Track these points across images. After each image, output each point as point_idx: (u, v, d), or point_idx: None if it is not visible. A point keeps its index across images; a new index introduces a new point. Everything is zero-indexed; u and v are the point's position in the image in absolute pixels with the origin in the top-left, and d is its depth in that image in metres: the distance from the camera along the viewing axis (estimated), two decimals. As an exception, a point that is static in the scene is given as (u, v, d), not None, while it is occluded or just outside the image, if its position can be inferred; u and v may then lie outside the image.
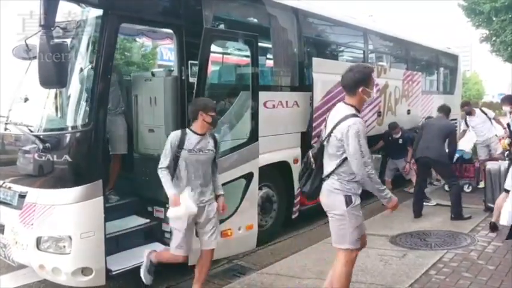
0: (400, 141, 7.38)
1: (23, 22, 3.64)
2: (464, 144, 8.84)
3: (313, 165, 3.13)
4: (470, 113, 7.85)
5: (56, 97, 3.81)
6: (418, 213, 6.19)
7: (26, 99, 4.23)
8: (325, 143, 3.08)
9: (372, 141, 7.54)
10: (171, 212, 3.56)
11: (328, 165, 3.09)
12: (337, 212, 3.06)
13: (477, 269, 4.18)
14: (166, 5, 4.26)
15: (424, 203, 6.49)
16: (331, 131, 3.02)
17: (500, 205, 5.33)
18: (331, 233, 3.17)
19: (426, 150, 6.11)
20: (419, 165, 6.41)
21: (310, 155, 3.17)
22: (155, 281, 4.25)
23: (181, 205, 3.50)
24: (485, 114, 7.81)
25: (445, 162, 6.17)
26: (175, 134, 3.65)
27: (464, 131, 8.18)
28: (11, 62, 4.18)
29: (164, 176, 3.58)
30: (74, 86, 3.63)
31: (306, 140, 5.81)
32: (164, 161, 3.59)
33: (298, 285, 3.97)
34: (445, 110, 6.53)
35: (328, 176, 3.08)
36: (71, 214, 3.52)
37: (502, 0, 14.26)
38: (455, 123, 11.12)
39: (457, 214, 5.97)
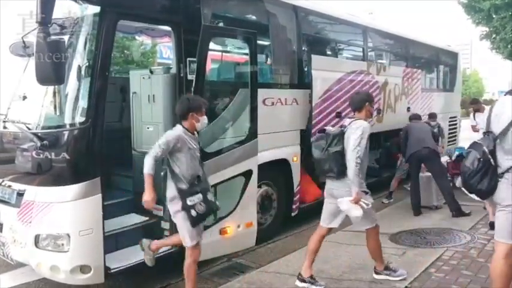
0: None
1: (23, 22, 3.63)
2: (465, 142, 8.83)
3: (491, 162, 3.05)
4: (478, 110, 7.97)
5: (53, 95, 3.81)
6: (417, 211, 6.19)
7: (24, 97, 4.23)
8: (497, 140, 3.05)
9: (372, 138, 7.53)
10: (357, 211, 3.62)
11: (505, 161, 3.04)
12: None
13: (477, 267, 4.17)
14: (164, 2, 4.24)
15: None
16: (509, 126, 2.99)
17: (492, 204, 5.33)
18: (507, 228, 3.07)
19: (423, 142, 6.19)
20: (413, 161, 6.40)
21: (487, 151, 3.07)
22: (154, 280, 4.26)
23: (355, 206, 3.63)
24: None
25: (437, 159, 6.24)
26: (367, 125, 3.78)
27: (473, 126, 8.21)
28: (10, 60, 4.18)
29: (358, 167, 3.60)
30: (72, 84, 3.61)
31: (305, 138, 5.79)
32: (360, 150, 3.62)
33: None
34: (417, 117, 7.06)
35: (506, 171, 3.03)
36: (69, 212, 3.52)
37: (501, -3, 14.27)
38: (455, 120, 11.16)
39: (457, 211, 5.97)
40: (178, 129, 3.49)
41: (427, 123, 7.13)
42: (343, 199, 3.68)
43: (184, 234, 3.44)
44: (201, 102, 3.56)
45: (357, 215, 3.66)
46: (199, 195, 3.39)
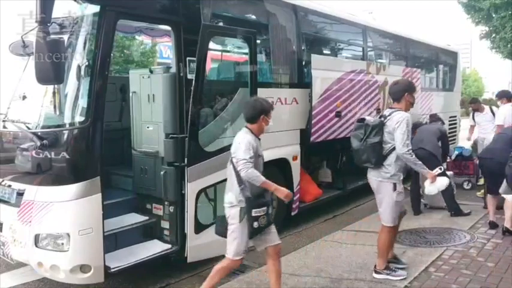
0: None
1: (23, 22, 3.63)
2: (464, 142, 8.85)
3: None
4: (477, 109, 7.97)
5: (53, 94, 3.80)
6: (417, 211, 6.19)
7: (24, 97, 4.24)
8: None
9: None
10: (442, 182, 3.89)
11: None
12: None
13: (476, 266, 4.17)
14: (164, 1, 4.24)
15: (422, 200, 6.54)
16: None
17: (492, 203, 5.34)
18: None
19: (420, 142, 6.17)
20: None
21: None
22: (154, 279, 4.26)
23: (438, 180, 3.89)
24: (493, 114, 7.81)
25: (433, 160, 6.20)
26: (408, 115, 3.80)
27: (472, 127, 8.21)
28: (10, 60, 4.18)
29: (414, 156, 3.74)
30: (71, 83, 3.61)
31: (305, 137, 5.79)
32: (409, 143, 3.72)
33: (297, 283, 3.96)
34: (436, 117, 7.14)
35: None
36: (69, 211, 3.51)
37: (501, -3, 14.28)
38: (455, 120, 11.16)
39: (456, 210, 5.97)
40: (248, 133, 3.32)
41: None
42: (427, 188, 3.96)
43: (233, 244, 3.25)
44: (270, 103, 3.53)
45: (445, 183, 3.93)
46: (265, 208, 3.20)
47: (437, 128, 6.63)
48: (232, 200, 3.24)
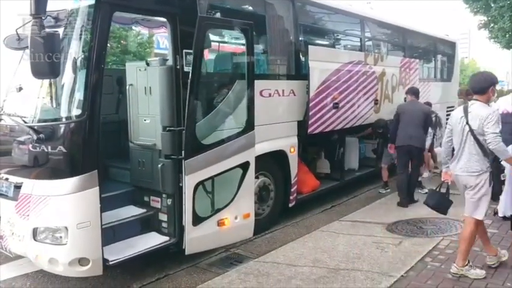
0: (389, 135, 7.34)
1: (23, 22, 3.61)
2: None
3: None
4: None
5: (49, 88, 3.78)
6: (405, 203, 6.18)
7: (20, 89, 4.22)
8: None
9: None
10: None
11: None
12: None
13: (472, 256, 4.19)
14: (159, -7, 4.21)
15: (418, 190, 6.57)
16: None
17: None
18: None
19: (409, 139, 6.19)
20: (401, 153, 6.39)
21: None
22: (152, 270, 4.29)
23: None
24: None
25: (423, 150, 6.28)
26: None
27: None
28: (9, 59, 4.17)
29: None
30: (67, 76, 3.59)
31: (302, 129, 5.80)
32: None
33: (294, 273, 3.99)
34: (415, 92, 6.80)
35: None
36: (66, 205, 3.52)
37: (500, -14, 14.22)
38: (453, 110, 11.15)
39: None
40: (486, 106, 3.66)
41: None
42: None
43: (483, 207, 3.69)
44: (495, 76, 3.89)
45: None
46: (504, 174, 3.83)
47: (421, 110, 6.54)
48: (481, 167, 3.62)
